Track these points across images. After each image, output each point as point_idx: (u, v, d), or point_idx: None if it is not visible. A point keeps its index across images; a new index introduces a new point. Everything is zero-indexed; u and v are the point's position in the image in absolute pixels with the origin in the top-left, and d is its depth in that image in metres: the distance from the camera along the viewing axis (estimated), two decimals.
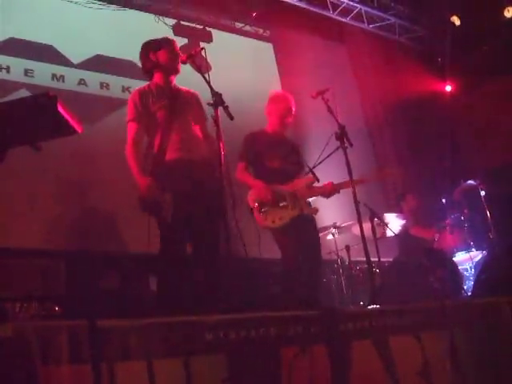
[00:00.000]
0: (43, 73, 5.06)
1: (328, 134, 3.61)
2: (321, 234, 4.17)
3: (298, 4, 6.84)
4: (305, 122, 6.25)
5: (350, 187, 3.46)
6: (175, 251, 3.05)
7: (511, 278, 3.53)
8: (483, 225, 5.33)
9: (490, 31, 7.24)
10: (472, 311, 2.81)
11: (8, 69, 4.91)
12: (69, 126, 2.12)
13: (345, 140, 3.48)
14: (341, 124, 3.53)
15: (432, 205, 6.15)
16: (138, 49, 3.46)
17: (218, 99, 2.92)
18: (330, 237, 5.06)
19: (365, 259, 3.34)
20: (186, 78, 3.42)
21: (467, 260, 5.30)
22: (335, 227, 5.01)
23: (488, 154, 7.12)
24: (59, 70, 5.19)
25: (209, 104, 2.98)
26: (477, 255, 5.32)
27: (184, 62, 3.30)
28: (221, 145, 2.86)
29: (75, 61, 5.31)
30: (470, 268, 5.25)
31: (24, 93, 4.69)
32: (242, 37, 6.99)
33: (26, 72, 4.98)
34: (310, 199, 3.78)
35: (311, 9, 6.98)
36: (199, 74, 3.05)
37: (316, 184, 3.76)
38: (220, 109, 2.93)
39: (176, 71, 3.35)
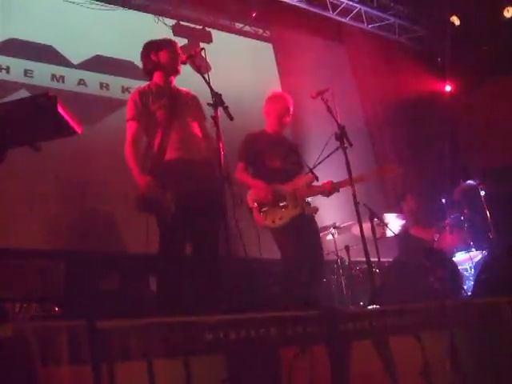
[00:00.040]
0: (43, 73, 5.06)
1: (328, 134, 3.61)
2: (321, 234, 4.16)
3: (297, 4, 6.84)
4: (305, 122, 6.26)
5: (350, 185, 3.45)
6: (175, 251, 3.05)
7: (511, 277, 3.53)
8: (483, 225, 5.33)
9: (489, 31, 7.25)
10: (472, 311, 2.81)
11: (8, 69, 4.91)
12: (68, 126, 2.12)
13: (344, 140, 3.48)
14: (340, 124, 3.53)
15: (432, 205, 6.15)
16: (138, 49, 3.46)
17: (217, 99, 2.92)
18: (329, 237, 5.06)
19: (365, 259, 3.34)
20: (185, 79, 3.42)
21: (467, 260, 5.30)
22: (335, 227, 5.01)
23: (488, 154, 7.12)
24: (59, 70, 5.19)
25: (208, 104, 2.98)
26: (477, 255, 5.32)
27: (184, 63, 3.31)
28: (220, 145, 2.86)
29: (75, 61, 5.31)
30: (470, 268, 5.25)
31: (24, 93, 4.69)
32: (242, 37, 6.99)
33: (26, 72, 4.98)
34: (310, 199, 3.78)
35: (311, 9, 6.99)
36: (199, 75, 3.05)
37: (315, 183, 3.76)
38: (220, 109, 2.93)
39: (176, 72, 3.36)
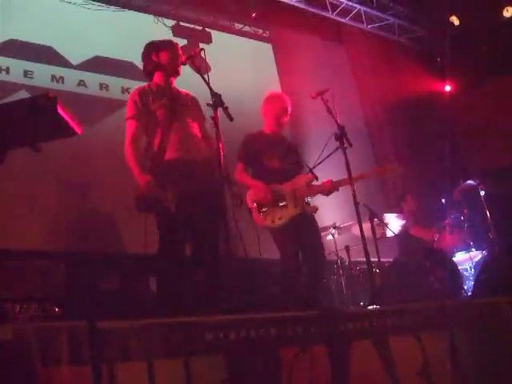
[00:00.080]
0: (43, 74, 5.06)
1: (328, 134, 3.61)
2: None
3: (297, 4, 6.85)
4: (304, 122, 6.26)
5: (350, 184, 3.45)
6: (175, 251, 3.05)
7: (511, 277, 3.53)
8: (483, 225, 5.33)
9: (489, 31, 7.25)
10: (472, 311, 2.81)
11: (8, 70, 4.91)
12: (68, 127, 2.12)
13: (344, 140, 3.48)
14: (340, 124, 3.54)
15: (432, 205, 6.15)
16: (138, 50, 3.47)
17: (217, 100, 2.93)
18: (329, 237, 5.06)
19: (365, 259, 3.34)
20: (185, 80, 3.43)
21: (467, 260, 5.30)
22: (335, 227, 5.01)
23: (488, 154, 7.12)
24: (59, 71, 5.19)
25: (208, 105, 2.98)
26: (476, 255, 5.33)
27: (183, 63, 3.33)
28: (220, 145, 2.87)
29: (75, 62, 5.32)
30: (470, 268, 5.25)
31: (24, 94, 4.69)
32: (242, 37, 6.99)
33: (26, 73, 4.99)
34: (309, 198, 3.78)
35: (310, 9, 6.99)
36: (199, 75, 3.06)
37: (315, 182, 3.76)
38: (219, 110, 2.93)
39: (177, 73, 3.37)
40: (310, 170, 3.77)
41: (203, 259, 3.12)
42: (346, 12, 7.31)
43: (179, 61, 3.32)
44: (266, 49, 7.13)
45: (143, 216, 3.05)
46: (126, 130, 3.21)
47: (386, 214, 5.08)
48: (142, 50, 3.43)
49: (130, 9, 6.01)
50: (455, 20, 7.37)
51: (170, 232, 3.04)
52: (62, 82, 5.17)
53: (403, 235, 5.26)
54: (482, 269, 4.36)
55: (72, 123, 2.13)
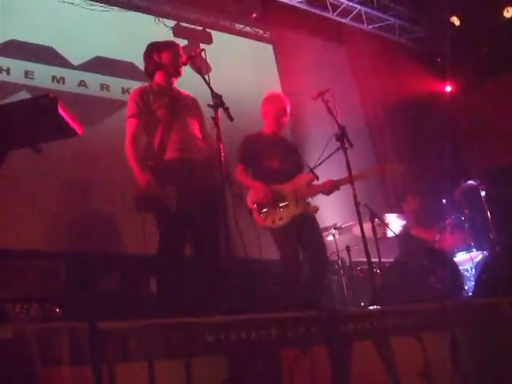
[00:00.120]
0: (43, 74, 5.06)
1: (328, 134, 3.61)
2: None
3: (297, 5, 6.85)
4: (305, 122, 6.26)
5: (350, 183, 3.45)
6: (175, 251, 3.05)
7: None
8: (484, 225, 5.32)
9: (489, 31, 7.25)
10: (473, 311, 2.81)
11: (8, 70, 4.91)
12: (69, 127, 2.12)
13: (345, 141, 3.48)
14: (341, 125, 3.54)
15: (432, 205, 6.15)
16: (138, 50, 3.48)
17: (218, 100, 2.93)
18: (330, 237, 5.06)
19: (365, 260, 3.34)
20: (186, 80, 3.44)
21: (468, 260, 5.29)
22: (336, 228, 5.01)
23: (488, 155, 7.12)
24: (59, 71, 5.19)
25: (209, 105, 2.98)
26: (477, 255, 5.32)
27: (184, 64, 3.34)
28: (221, 146, 2.87)
29: (75, 62, 5.32)
30: (471, 268, 5.24)
31: (24, 95, 4.69)
32: (242, 38, 6.99)
33: (27, 74, 4.99)
34: (310, 199, 3.78)
35: (311, 10, 7.00)
36: (199, 76, 3.06)
37: (316, 182, 3.76)
38: (220, 110, 2.93)
39: (178, 74, 3.38)
40: (311, 170, 3.77)
41: (203, 259, 3.12)
42: (346, 12, 7.31)
43: (180, 61, 3.33)
44: (267, 49, 7.12)
45: (142, 216, 3.05)
46: (127, 128, 3.21)
47: (386, 215, 5.08)
48: (144, 50, 3.45)
49: (130, 9, 6.01)
50: (456, 20, 7.37)
51: (170, 231, 3.03)
52: (63, 83, 5.18)
53: (404, 235, 5.25)
54: (483, 269, 4.36)
55: (73, 124, 2.13)
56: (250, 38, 7.09)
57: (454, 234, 5.35)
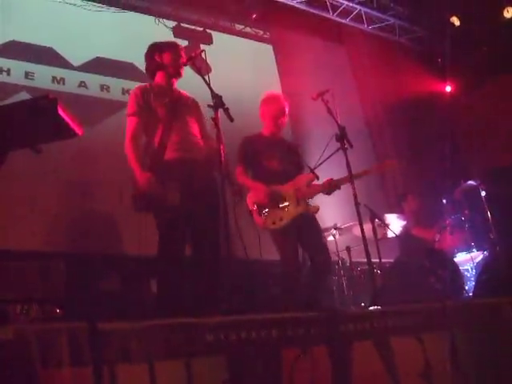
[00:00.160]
0: (43, 75, 5.07)
1: (328, 134, 3.61)
2: None
3: (297, 5, 6.85)
4: (305, 123, 6.27)
5: (350, 182, 3.45)
6: (175, 251, 3.04)
7: None
8: (484, 225, 5.32)
9: (489, 32, 7.25)
10: (473, 312, 2.81)
11: (8, 71, 4.92)
12: (69, 128, 2.12)
13: (345, 141, 3.48)
14: (341, 125, 3.54)
15: (432, 205, 6.15)
16: (139, 51, 3.49)
17: (218, 101, 2.93)
18: (330, 238, 5.06)
19: (366, 260, 3.33)
20: (186, 81, 3.44)
21: (468, 261, 5.29)
22: (336, 228, 5.01)
23: (488, 155, 7.12)
24: (59, 72, 5.20)
25: (209, 106, 2.98)
26: (477, 256, 5.32)
27: (184, 64, 3.34)
28: (221, 146, 2.87)
29: (75, 63, 5.32)
30: (471, 269, 5.24)
31: (24, 95, 4.70)
32: (242, 38, 7.00)
33: (27, 74, 4.99)
34: (310, 199, 3.77)
35: (311, 10, 7.00)
36: (199, 76, 3.06)
37: (316, 182, 3.76)
38: (220, 111, 2.93)
39: (179, 75, 3.39)
40: (311, 171, 3.77)
41: (203, 258, 3.12)
42: (346, 13, 7.31)
43: (181, 62, 3.34)
44: (267, 50, 7.13)
45: (142, 216, 3.05)
46: (127, 126, 3.21)
47: (386, 215, 5.08)
48: (146, 51, 3.47)
49: (130, 10, 6.01)
50: (455, 20, 7.37)
51: (170, 231, 3.03)
52: (63, 84, 5.18)
53: (404, 236, 5.25)
54: (483, 269, 4.36)
55: (73, 124, 2.13)
56: (250, 38, 7.10)
57: (454, 234, 5.35)
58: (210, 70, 3.59)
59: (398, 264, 4.90)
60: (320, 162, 3.81)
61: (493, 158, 6.98)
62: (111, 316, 1.90)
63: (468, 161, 7.60)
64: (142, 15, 6.10)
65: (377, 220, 4.33)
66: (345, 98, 4.63)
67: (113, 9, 5.85)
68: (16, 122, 2.04)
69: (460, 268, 4.84)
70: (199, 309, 2.90)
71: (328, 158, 3.75)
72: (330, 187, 3.69)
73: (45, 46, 5.23)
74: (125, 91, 5.40)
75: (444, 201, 5.85)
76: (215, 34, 6.62)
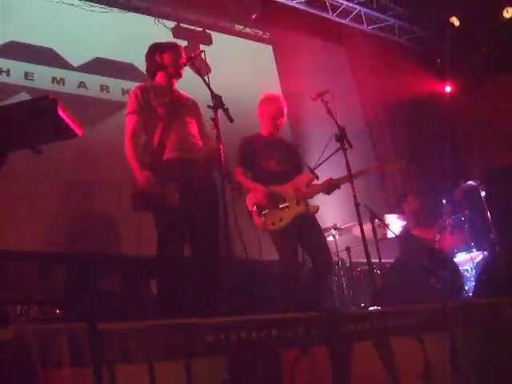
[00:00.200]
0: (43, 76, 5.07)
1: (328, 135, 3.61)
2: None
3: (297, 6, 6.85)
4: (305, 123, 6.27)
5: (350, 182, 3.44)
6: (174, 251, 3.04)
7: None
8: (484, 225, 5.32)
9: (489, 32, 7.25)
10: (473, 312, 2.81)
11: (8, 72, 4.92)
12: (69, 129, 2.12)
13: (345, 141, 3.48)
14: (340, 125, 3.53)
15: (432, 206, 6.15)
16: (138, 51, 3.49)
17: (217, 101, 2.93)
18: (330, 238, 5.06)
19: (365, 260, 3.33)
20: (186, 81, 3.45)
21: (468, 261, 5.30)
22: (336, 228, 5.01)
23: (488, 155, 7.12)
24: (59, 73, 5.19)
25: (209, 106, 2.98)
26: (477, 256, 5.32)
27: (184, 65, 3.34)
28: (221, 147, 2.87)
29: (75, 64, 5.32)
30: (471, 269, 5.24)
31: (24, 96, 4.70)
32: (242, 39, 7.00)
33: (26, 75, 4.99)
34: (310, 199, 3.77)
35: (310, 10, 7.00)
36: (199, 77, 3.06)
37: (316, 181, 3.76)
38: (220, 111, 2.93)
39: (179, 75, 3.40)
40: (311, 171, 3.76)
41: (203, 258, 3.11)
42: (346, 13, 7.31)
43: (181, 62, 3.34)
44: (267, 50, 7.13)
45: (140, 216, 3.05)
46: (126, 125, 3.20)
47: (386, 215, 5.08)
48: (146, 51, 3.48)
49: (130, 10, 6.01)
50: (455, 21, 7.38)
51: (169, 230, 3.03)
52: (63, 84, 5.18)
53: (404, 236, 5.25)
54: (483, 269, 4.37)
55: (72, 125, 2.13)
56: (250, 38, 7.10)
57: (453, 234, 5.36)
58: (210, 71, 3.60)
59: (398, 264, 4.90)
60: (320, 162, 3.81)
61: (493, 158, 6.99)
62: (111, 316, 1.90)
63: (468, 161, 7.60)
64: (141, 15, 6.10)
65: (377, 220, 4.32)
66: (344, 99, 4.63)
67: (112, 9, 5.85)
68: (16, 122, 2.04)
69: (460, 268, 4.84)
70: (199, 309, 2.90)
71: (328, 158, 3.75)
72: (330, 187, 3.68)
73: (44, 47, 5.22)
74: (124, 91, 5.40)
75: (444, 201, 5.84)
76: (215, 35, 6.62)
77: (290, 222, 3.61)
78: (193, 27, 6.50)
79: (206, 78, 3.04)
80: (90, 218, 4.81)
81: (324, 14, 7.14)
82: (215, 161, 3.00)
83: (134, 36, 5.47)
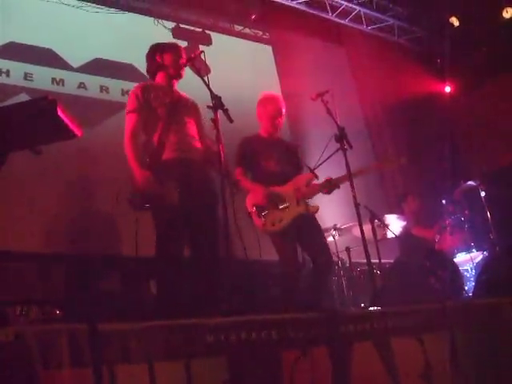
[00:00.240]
0: (43, 77, 5.06)
1: (328, 135, 3.61)
2: None
3: (296, 6, 6.85)
4: (304, 123, 6.27)
5: (349, 181, 3.44)
6: (174, 250, 3.04)
7: None
8: (483, 225, 5.33)
9: (488, 32, 7.26)
10: (473, 312, 2.81)
11: (8, 73, 4.91)
12: (68, 129, 2.12)
13: (344, 142, 3.48)
14: (340, 126, 3.53)
15: (432, 206, 6.15)
16: (138, 52, 3.49)
17: (217, 102, 2.93)
18: (330, 238, 5.05)
19: (365, 261, 3.33)
20: (186, 82, 3.45)
21: (468, 261, 5.30)
22: (335, 229, 5.01)
23: (488, 155, 7.12)
24: (59, 73, 5.19)
25: (208, 107, 2.98)
26: (477, 256, 5.32)
27: (184, 65, 3.34)
28: (221, 147, 2.87)
29: (75, 64, 5.32)
30: (471, 269, 5.25)
31: (24, 97, 4.70)
32: (242, 39, 7.00)
33: (26, 76, 4.99)
34: (310, 199, 3.77)
35: (310, 11, 7.00)
36: (199, 77, 3.06)
37: (315, 181, 3.76)
38: (220, 112, 2.94)
39: (179, 76, 3.40)
40: (311, 171, 3.76)
41: (202, 257, 3.11)
42: (345, 13, 7.32)
43: (181, 63, 3.34)
44: (266, 50, 7.13)
45: (139, 216, 3.05)
46: (126, 123, 3.20)
47: (386, 215, 5.08)
48: (147, 52, 3.48)
49: (129, 11, 6.01)
50: (455, 21, 7.38)
51: (168, 230, 3.03)
52: (62, 85, 5.18)
53: (404, 236, 5.25)
54: (483, 270, 4.36)
55: (72, 126, 2.13)
56: (250, 39, 7.10)
57: (453, 234, 5.36)
58: (210, 71, 3.60)
59: (398, 264, 4.90)
60: (319, 162, 3.81)
61: (492, 158, 6.99)
62: (111, 317, 1.90)
63: (468, 161, 7.61)
64: (141, 16, 6.10)
65: (376, 221, 4.32)
66: (344, 99, 4.62)
67: (112, 10, 5.85)
68: (15, 123, 2.04)
69: (460, 268, 4.85)
70: (199, 309, 2.90)
71: (327, 158, 3.75)
72: (330, 186, 3.68)
73: (44, 48, 5.22)
74: (124, 92, 5.39)
75: (444, 201, 5.85)
76: (214, 35, 6.62)
77: (291, 222, 3.61)
78: (192, 28, 6.50)
79: (205, 78, 3.05)
80: (90, 218, 4.80)
81: (323, 15, 7.15)
82: (213, 161, 3.00)
83: (134, 37, 5.48)
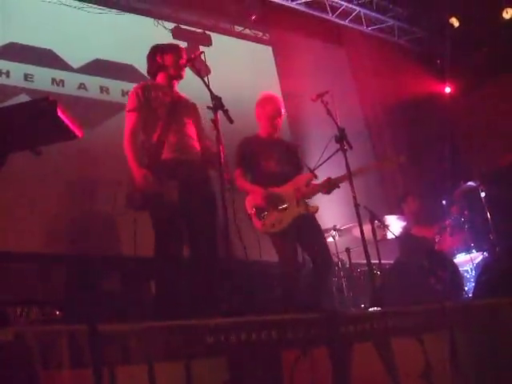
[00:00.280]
0: (43, 77, 5.07)
1: (328, 136, 3.61)
2: None
3: (297, 7, 6.86)
4: (305, 124, 6.27)
5: (349, 181, 3.44)
6: (173, 250, 3.03)
7: None
8: (483, 226, 5.33)
9: (489, 33, 7.26)
10: (473, 313, 2.81)
11: (8, 73, 4.92)
12: (69, 130, 2.13)
13: (344, 142, 3.48)
14: (340, 126, 3.53)
15: (432, 206, 6.15)
16: (138, 53, 3.50)
17: (217, 103, 2.93)
18: (330, 239, 5.06)
19: (365, 261, 3.33)
20: (186, 83, 3.45)
21: (468, 261, 5.30)
22: (335, 229, 5.01)
23: (488, 156, 7.13)
24: (59, 74, 5.20)
25: (208, 108, 2.98)
26: (477, 256, 5.32)
27: (184, 66, 3.35)
28: (221, 148, 2.87)
29: (75, 65, 5.32)
30: (471, 269, 5.25)
31: (24, 97, 4.70)
32: (242, 40, 7.00)
33: (26, 77, 4.99)
34: (310, 199, 3.77)
35: (310, 12, 7.00)
36: (199, 78, 3.07)
37: (315, 181, 3.76)
38: (220, 112, 2.94)
39: (180, 76, 3.41)
40: (311, 171, 3.76)
41: (201, 257, 3.11)
42: (345, 14, 7.32)
43: (181, 63, 3.35)
44: (266, 51, 7.13)
45: (138, 217, 3.05)
46: (126, 122, 3.20)
47: (386, 216, 5.08)
48: (148, 52, 3.49)
49: (129, 12, 6.02)
50: (455, 21, 7.38)
51: (167, 229, 3.03)
52: (63, 86, 5.18)
53: (404, 236, 5.25)
54: (483, 270, 4.37)
55: (72, 126, 2.13)
56: (250, 40, 7.10)
57: (453, 235, 5.36)
58: (210, 72, 3.60)
59: (398, 265, 4.90)
60: (320, 163, 3.81)
61: (493, 159, 6.99)
62: (111, 317, 1.90)
63: (468, 162, 7.61)
64: (141, 17, 6.10)
65: (376, 221, 4.32)
66: (344, 100, 4.63)
67: (112, 11, 5.85)
68: (16, 124, 2.04)
69: (460, 269, 4.85)
70: (198, 309, 2.90)
71: (328, 159, 3.75)
72: (329, 186, 3.68)
73: (44, 48, 5.23)
74: (124, 93, 5.39)
75: (444, 202, 5.85)
76: (214, 36, 6.63)
77: (291, 223, 3.60)
78: (192, 28, 6.51)
79: (205, 79, 3.05)
80: (90, 219, 4.81)
81: (324, 15, 7.15)
82: (212, 161, 3.00)
83: (134, 37, 5.48)
